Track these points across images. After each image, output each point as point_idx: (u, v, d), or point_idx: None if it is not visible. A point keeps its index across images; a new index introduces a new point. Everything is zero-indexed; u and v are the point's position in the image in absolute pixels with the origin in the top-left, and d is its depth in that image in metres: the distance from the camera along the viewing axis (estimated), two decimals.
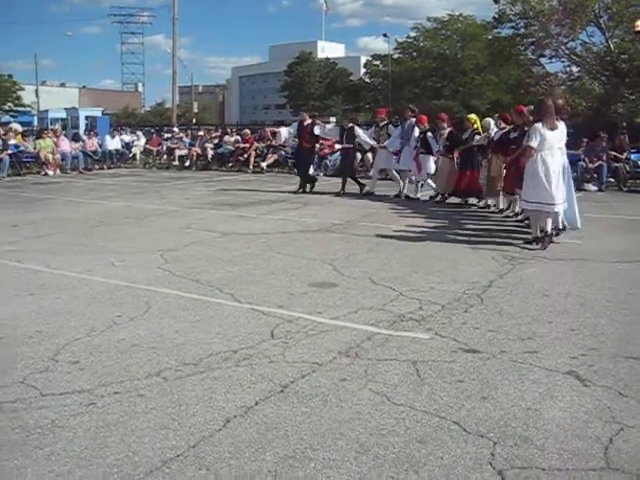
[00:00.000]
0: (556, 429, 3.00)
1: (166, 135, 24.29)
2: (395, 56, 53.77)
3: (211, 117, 70.14)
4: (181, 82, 43.37)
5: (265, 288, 5.56)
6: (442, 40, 50.19)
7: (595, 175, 14.65)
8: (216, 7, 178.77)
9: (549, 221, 7.55)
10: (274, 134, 17.14)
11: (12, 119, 38.76)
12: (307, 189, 13.40)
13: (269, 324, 4.54)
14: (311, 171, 14.07)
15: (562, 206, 7.55)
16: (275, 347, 4.07)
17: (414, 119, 12.26)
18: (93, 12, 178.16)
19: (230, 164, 20.14)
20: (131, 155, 22.23)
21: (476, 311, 4.90)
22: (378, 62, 56.24)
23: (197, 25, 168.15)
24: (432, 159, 11.91)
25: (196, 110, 53.85)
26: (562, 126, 7.62)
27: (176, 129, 25.35)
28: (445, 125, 11.95)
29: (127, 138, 23.10)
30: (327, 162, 17.84)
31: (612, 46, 25.39)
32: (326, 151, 17.70)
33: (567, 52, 26.89)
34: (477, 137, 10.92)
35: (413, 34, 51.53)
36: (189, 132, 24.47)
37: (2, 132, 18.17)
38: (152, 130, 28.54)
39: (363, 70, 59.76)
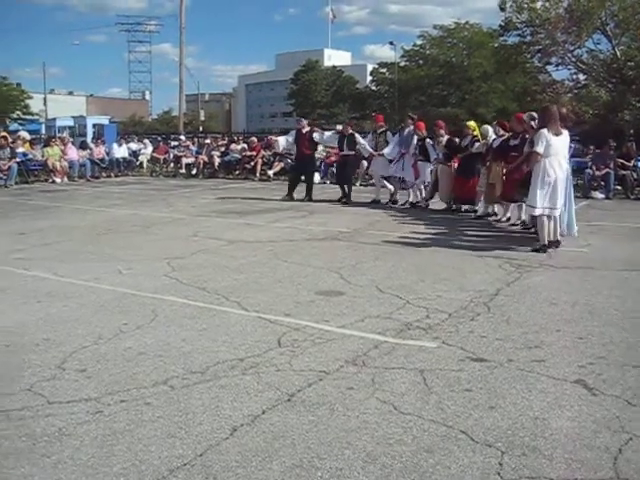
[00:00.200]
0: (564, 439, 2.98)
1: (173, 143, 24.36)
2: (401, 64, 53.80)
3: (218, 125, 70.35)
4: (188, 90, 43.48)
5: (272, 296, 5.56)
6: (448, 48, 50.20)
7: (602, 183, 14.59)
8: (223, 16, 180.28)
9: (555, 226, 7.66)
10: (270, 144, 17.24)
11: (20, 127, 38.99)
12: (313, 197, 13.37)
13: (276, 332, 4.53)
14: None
15: (559, 211, 7.68)
16: (282, 355, 4.06)
17: (413, 127, 12.22)
18: (100, 21, 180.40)
19: (237, 172, 20.19)
20: (138, 163, 22.31)
21: (483, 319, 4.88)
22: (384, 70, 56.31)
23: (204, 33, 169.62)
24: (430, 167, 11.91)
25: (203, 118, 54.04)
26: (566, 134, 7.70)
27: (183, 137, 25.42)
28: (443, 132, 11.96)
29: (134, 146, 23.20)
30: (334, 170, 17.85)
31: (619, 53, 25.33)
32: (332, 159, 17.73)
33: (573, 60, 26.83)
34: (477, 144, 10.92)
35: (419, 42, 51.63)
36: (196, 140, 24.62)
37: (10, 140, 18.27)
38: (159, 138, 28.69)
39: (369, 78, 59.83)
